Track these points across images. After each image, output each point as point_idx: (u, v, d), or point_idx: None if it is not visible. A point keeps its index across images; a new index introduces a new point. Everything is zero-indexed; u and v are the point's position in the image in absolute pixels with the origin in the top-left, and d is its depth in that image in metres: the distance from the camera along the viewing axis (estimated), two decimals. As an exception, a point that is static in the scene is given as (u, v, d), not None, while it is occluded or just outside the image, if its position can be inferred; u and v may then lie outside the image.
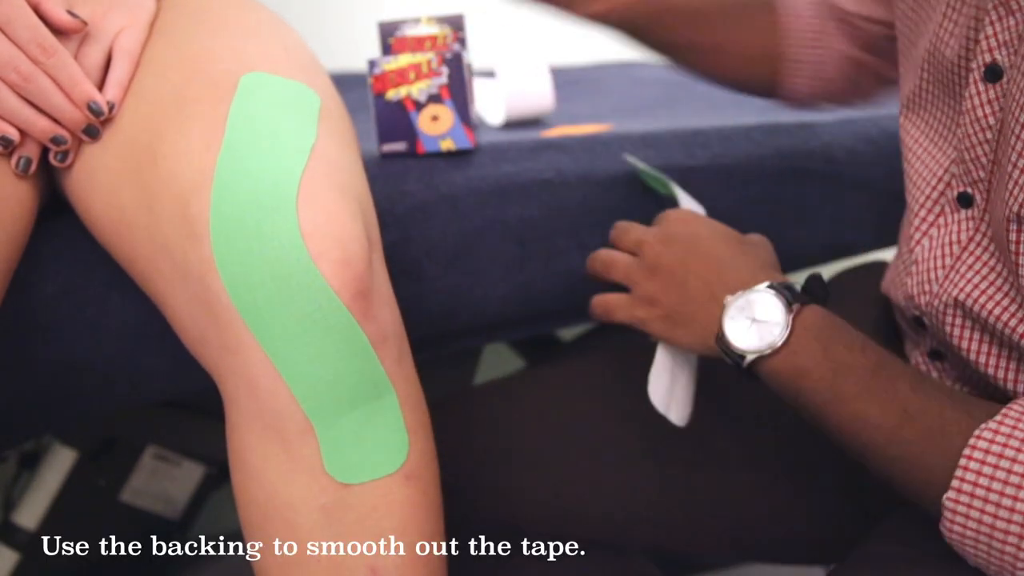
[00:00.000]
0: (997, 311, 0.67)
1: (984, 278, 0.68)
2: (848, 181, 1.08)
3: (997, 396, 0.71)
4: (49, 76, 0.67)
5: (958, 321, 0.71)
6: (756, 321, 0.68)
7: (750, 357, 0.67)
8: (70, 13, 0.69)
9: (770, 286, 0.68)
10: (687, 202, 0.86)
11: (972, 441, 0.58)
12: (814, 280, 0.70)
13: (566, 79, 1.26)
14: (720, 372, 0.89)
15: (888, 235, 1.11)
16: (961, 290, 0.69)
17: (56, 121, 0.69)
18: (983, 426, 0.59)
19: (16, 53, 0.66)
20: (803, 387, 0.66)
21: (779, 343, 0.66)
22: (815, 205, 1.06)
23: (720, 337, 0.69)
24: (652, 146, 1.00)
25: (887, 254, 0.90)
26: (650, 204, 0.98)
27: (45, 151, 0.70)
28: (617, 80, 1.48)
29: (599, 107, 1.29)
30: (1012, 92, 0.63)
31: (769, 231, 1.04)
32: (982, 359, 0.70)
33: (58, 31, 0.68)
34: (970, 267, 0.69)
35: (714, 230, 0.76)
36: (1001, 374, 0.69)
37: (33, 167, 0.69)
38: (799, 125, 1.09)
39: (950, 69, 0.71)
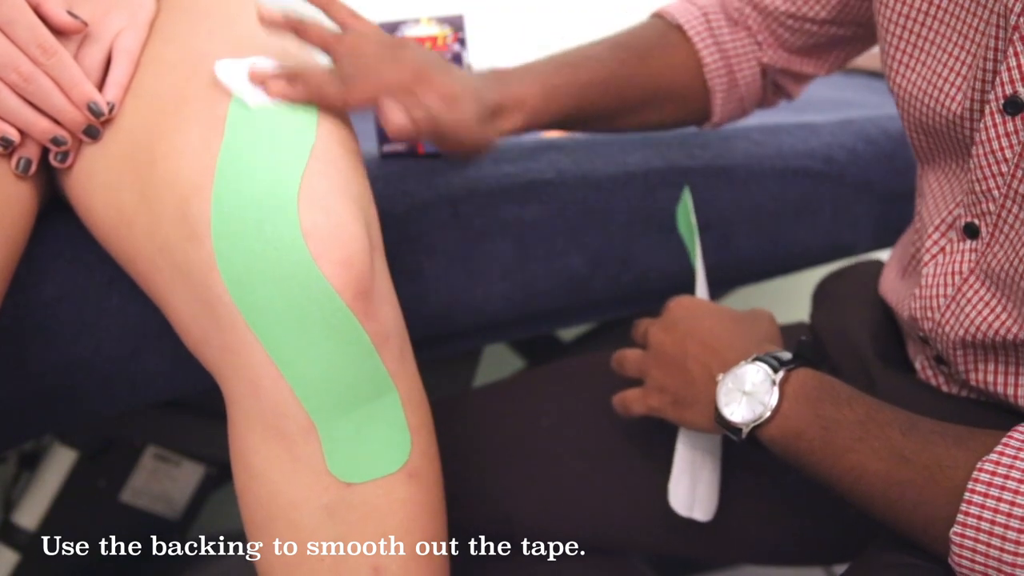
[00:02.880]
0: (998, 338, 0.67)
1: (982, 312, 0.68)
2: (848, 181, 1.08)
3: (1002, 404, 0.71)
4: (49, 77, 0.67)
5: (962, 351, 0.71)
6: (746, 393, 0.69)
7: (745, 429, 0.69)
8: (70, 14, 0.69)
9: (757, 358, 0.70)
10: (700, 282, 0.87)
11: (974, 475, 0.58)
12: (804, 346, 0.71)
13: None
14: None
15: (888, 235, 1.11)
16: (962, 325, 0.70)
17: (56, 121, 0.69)
18: (984, 459, 0.59)
19: (16, 54, 0.66)
20: (799, 448, 0.67)
21: (768, 413, 0.68)
22: (815, 205, 1.06)
23: (717, 414, 0.71)
24: (652, 146, 1.00)
25: (886, 254, 0.90)
26: (650, 204, 0.98)
27: (45, 151, 0.70)
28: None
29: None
30: None
31: (769, 231, 1.05)
32: (990, 379, 0.71)
33: (58, 32, 0.68)
34: (969, 300, 0.69)
35: (713, 312, 0.78)
36: (1011, 391, 0.70)
37: (33, 168, 0.69)
38: (799, 125, 1.09)
39: (953, 121, 0.70)
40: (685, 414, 0.75)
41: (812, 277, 0.98)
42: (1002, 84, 0.65)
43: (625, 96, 0.90)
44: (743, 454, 0.86)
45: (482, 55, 1.12)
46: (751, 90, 0.95)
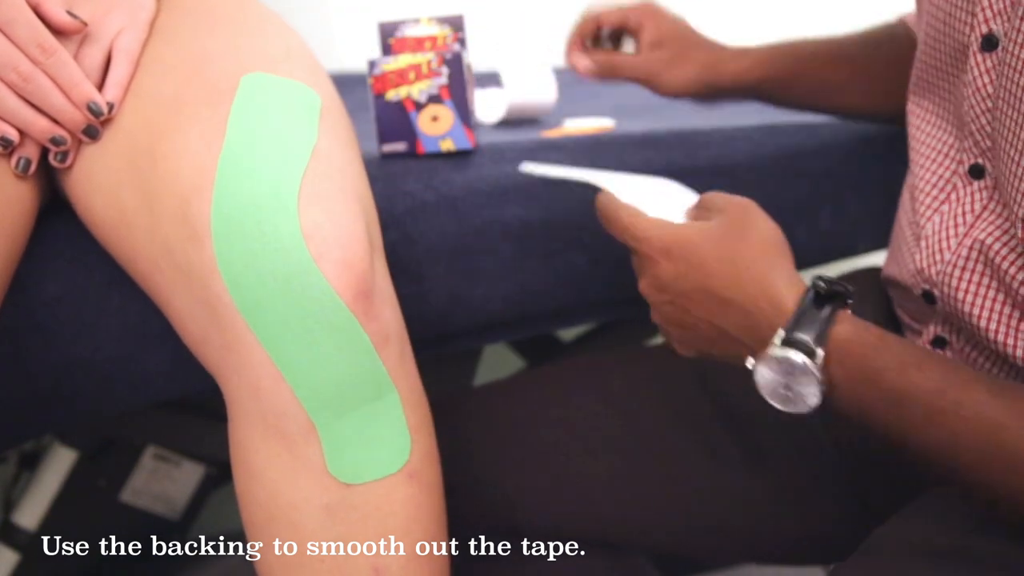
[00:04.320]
0: (1006, 265, 0.67)
1: (997, 239, 0.68)
2: (848, 181, 1.08)
3: (1005, 372, 0.70)
4: (49, 76, 0.67)
5: (970, 278, 0.70)
6: (789, 389, 0.63)
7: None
8: (70, 13, 0.69)
9: (785, 341, 0.62)
10: (627, 188, 0.77)
11: None
12: (830, 286, 0.64)
13: (567, 79, 1.26)
14: (718, 373, 0.89)
15: (887, 235, 1.11)
16: (971, 266, 0.70)
17: (56, 121, 0.68)
18: None
19: (16, 53, 0.66)
20: (872, 425, 0.61)
21: (816, 402, 0.62)
22: (815, 205, 1.06)
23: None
24: (652, 146, 1.00)
25: (883, 257, 0.90)
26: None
27: (45, 151, 0.70)
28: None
29: (600, 107, 1.29)
30: (1008, 61, 0.64)
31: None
32: (992, 325, 0.69)
33: (58, 31, 0.68)
34: (983, 231, 0.70)
35: (699, 253, 0.67)
36: (1011, 340, 0.68)
37: (33, 168, 0.69)
38: (799, 125, 1.09)
39: (953, 45, 0.72)
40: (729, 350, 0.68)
41: (811, 278, 0.98)
42: (978, 24, 0.68)
43: (841, 76, 0.98)
44: (743, 454, 0.86)
45: (482, 55, 1.12)
46: None
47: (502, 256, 0.92)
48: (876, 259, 0.98)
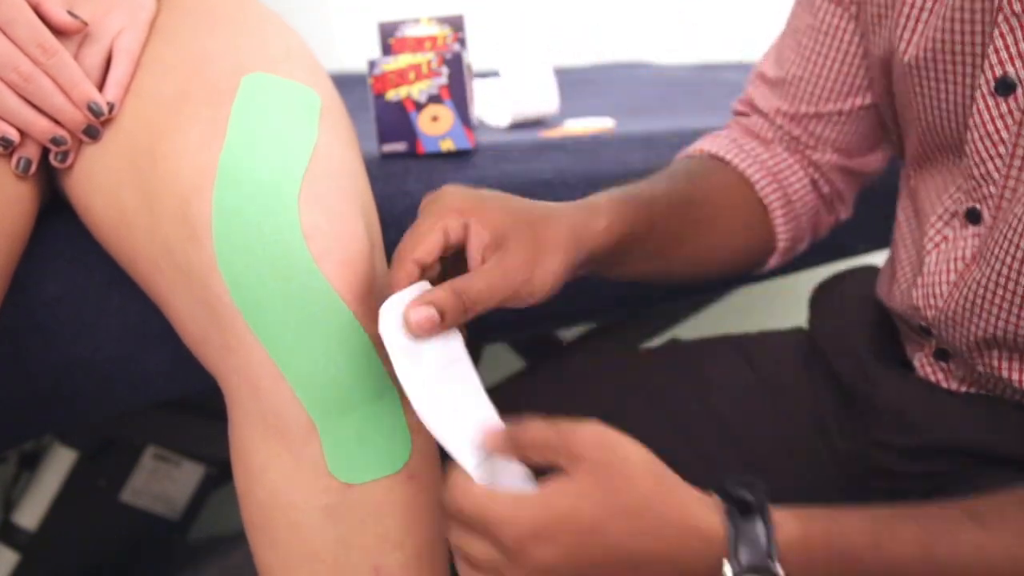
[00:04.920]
0: (1001, 324, 0.67)
1: (985, 297, 0.68)
2: (848, 181, 1.07)
3: (1008, 393, 0.71)
4: (49, 76, 0.67)
5: (965, 332, 0.71)
6: None
7: None
8: (70, 13, 0.69)
9: (740, 574, 0.54)
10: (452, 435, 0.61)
11: None
12: (738, 487, 0.57)
13: (566, 79, 1.26)
14: (716, 379, 0.89)
15: (887, 235, 1.11)
16: (965, 312, 0.69)
17: (56, 121, 0.68)
18: None
19: (16, 53, 0.66)
20: None
21: None
22: (815, 205, 1.06)
23: None
24: (652, 146, 1.00)
25: (882, 256, 0.90)
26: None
27: (45, 151, 0.70)
28: (618, 80, 1.48)
29: (600, 107, 1.29)
30: None
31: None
32: (994, 362, 0.70)
33: (58, 31, 0.68)
34: (977, 281, 0.69)
35: (596, 526, 0.55)
36: (1016, 376, 0.69)
37: (33, 168, 0.69)
38: (799, 125, 1.09)
39: (948, 83, 0.70)
40: None
41: (811, 278, 0.98)
42: (991, 66, 0.65)
43: (690, 213, 0.80)
44: (741, 457, 0.86)
45: (482, 55, 1.12)
46: (806, 206, 0.88)
47: (502, 256, 0.91)
48: (876, 259, 0.98)
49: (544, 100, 1.14)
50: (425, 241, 0.63)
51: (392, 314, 0.60)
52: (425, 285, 0.63)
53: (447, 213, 0.64)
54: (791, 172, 0.87)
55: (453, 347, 0.63)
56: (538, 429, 0.58)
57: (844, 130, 0.85)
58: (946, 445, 0.74)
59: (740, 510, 0.55)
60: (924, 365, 0.78)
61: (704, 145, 0.88)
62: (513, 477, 0.59)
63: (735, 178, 0.85)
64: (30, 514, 1.11)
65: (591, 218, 0.70)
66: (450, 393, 0.61)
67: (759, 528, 0.55)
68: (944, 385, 0.76)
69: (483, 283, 0.63)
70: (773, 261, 0.89)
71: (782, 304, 1.44)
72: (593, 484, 0.55)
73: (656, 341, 1.15)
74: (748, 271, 0.90)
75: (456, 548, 0.58)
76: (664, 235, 0.77)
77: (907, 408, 0.76)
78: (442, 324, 0.60)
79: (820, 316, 0.90)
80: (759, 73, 0.89)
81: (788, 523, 0.56)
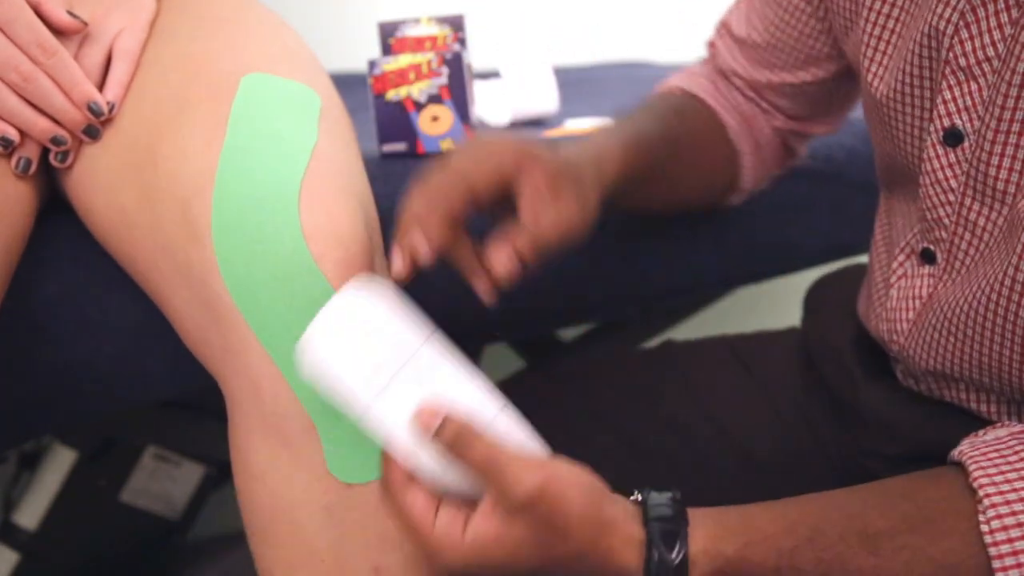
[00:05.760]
0: (961, 370, 0.67)
1: (944, 338, 0.68)
2: (847, 181, 1.08)
3: (983, 417, 0.71)
4: (49, 76, 0.67)
5: (926, 367, 0.71)
6: None
7: None
8: (70, 14, 0.69)
9: None
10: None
11: (984, 528, 0.55)
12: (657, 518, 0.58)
13: (567, 79, 1.26)
14: (711, 380, 0.89)
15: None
16: (925, 351, 0.70)
17: (56, 121, 0.69)
18: (983, 516, 0.56)
19: (16, 53, 0.66)
20: None
21: None
22: (814, 205, 1.06)
23: None
24: (652, 146, 1.00)
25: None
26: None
27: (45, 151, 0.70)
28: (618, 80, 1.48)
29: (600, 107, 1.28)
30: (981, 157, 0.62)
31: (768, 231, 1.04)
32: (962, 396, 0.71)
33: (58, 31, 0.68)
34: (932, 325, 0.69)
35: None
36: (983, 408, 0.70)
37: (33, 168, 0.69)
38: (799, 125, 1.09)
39: (903, 130, 0.70)
40: None
41: (810, 278, 0.98)
42: (939, 116, 0.65)
43: (676, 155, 0.82)
44: (737, 461, 0.86)
45: (482, 55, 1.12)
46: (772, 151, 0.91)
47: (502, 256, 0.91)
48: (853, 261, 0.98)
49: (544, 100, 1.14)
50: (476, 176, 0.62)
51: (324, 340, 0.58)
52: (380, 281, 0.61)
53: (496, 155, 0.63)
54: (761, 118, 0.90)
55: (405, 350, 0.60)
56: (484, 448, 0.57)
57: (796, 101, 0.87)
58: (932, 453, 0.74)
59: (663, 535, 0.57)
60: (906, 376, 0.78)
61: (683, 84, 0.90)
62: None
63: (713, 122, 0.88)
64: (30, 514, 1.11)
65: (606, 164, 0.71)
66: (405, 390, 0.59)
67: (674, 558, 0.57)
68: (926, 394, 0.76)
69: (554, 216, 0.63)
70: (735, 199, 0.93)
71: (781, 304, 1.44)
72: (532, 537, 0.56)
73: (655, 341, 1.15)
74: (710, 207, 0.93)
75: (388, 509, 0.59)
76: (653, 175, 0.79)
77: (891, 416, 0.77)
78: (522, 269, 0.62)
79: (810, 318, 0.90)
80: (725, 23, 0.90)
81: (702, 564, 0.57)
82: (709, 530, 0.58)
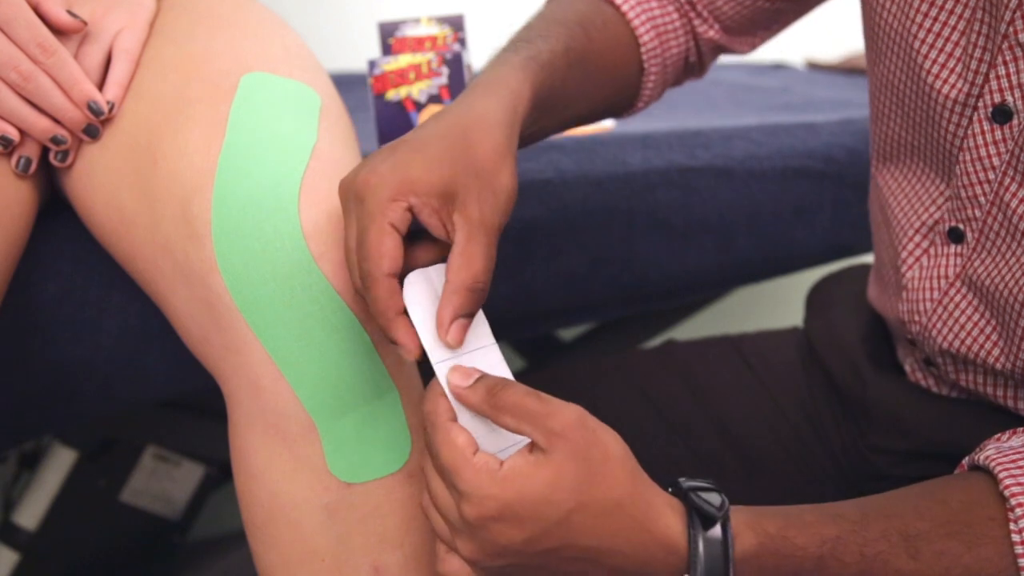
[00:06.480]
0: (983, 353, 0.67)
1: (969, 319, 0.68)
2: (848, 181, 1.08)
3: (998, 404, 0.71)
4: (49, 76, 0.67)
5: (950, 357, 0.71)
6: None
7: None
8: (70, 13, 0.69)
9: None
10: None
11: (1015, 537, 0.55)
12: (699, 495, 0.56)
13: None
14: (713, 379, 0.89)
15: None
16: (950, 330, 0.69)
17: (56, 121, 0.69)
18: (1014, 526, 0.55)
19: (16, 53, 0.66)
20: None
21: None
22: (815, 205, 1.06)
23: None
24: (652, 146, 1.00)
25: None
26: (650, 204, 0.98)
27: (45, 151, 0.70)
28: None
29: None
30: None
31: (769, 231, 1.05)
32: (979, 380, 0.70)
33: (58, 31, 0.68)
34: (957, 305, 0.69)
35: (564, 517, 0.54)
36: (1000, 393, 0.70)
37: (33, 167, 0.69)
38: (799, 125, 1.09)
39: (946, 106, 0.68)
40: None
41: (810, 278, 0.98)
42: (991, 92, 0.65)
43: (581, 70, 0.76)
44: (739, 459, 0.86)
45: (482, 55, 1.13)
46: (673, 72, 0.86)
47: (503, 256, 0.92)
48: (859, 260, 0.98)
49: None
50: (384, 250, 0.57)
51: (415, 288, 0.59)
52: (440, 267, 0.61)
53: (384, 209, 0.58)
54: (674, 37, 0.84)
55: (480, 333, 0.62)
56: (519, 394, 0.55)
57: (738, 9, 0.83)
58: (941, 449, 0.74)
59: (702, 519, 0.55)
60: (915, 370, 0.78)
61: None
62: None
63: (625, 35, 0.82)
64: (30, 514, 1.11)
65: (516, 110, 0.65)
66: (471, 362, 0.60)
67: (717, 545, 0.54)
68: (935, 390, 0.76)
69: (475, 250, 0.59)
70: (625, 115, 0.87)
71: (781, 304, 1.44)
72: (570, 471, 0.53)
73: (656, 341, 1.15)
74: (603, 118, 0.86)
75: (424, 476, 0.58)
76: (557, 96, 0.72)
77: (899, 412, 0.77)
78: (469, 321, 0.59)
79: (815, 316, 0.90)
80: None
81: (745, 536, 0.55)
82: (747, 513, 0.56)
